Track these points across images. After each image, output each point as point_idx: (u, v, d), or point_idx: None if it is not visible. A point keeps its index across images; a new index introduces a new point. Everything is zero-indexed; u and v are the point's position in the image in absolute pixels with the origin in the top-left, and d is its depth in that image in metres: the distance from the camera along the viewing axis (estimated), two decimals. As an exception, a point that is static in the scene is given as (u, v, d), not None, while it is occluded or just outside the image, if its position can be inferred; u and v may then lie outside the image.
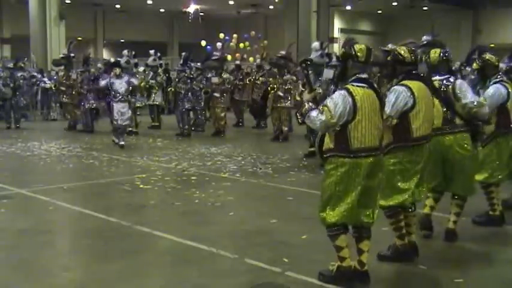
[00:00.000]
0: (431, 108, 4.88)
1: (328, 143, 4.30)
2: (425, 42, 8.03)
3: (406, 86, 4.72)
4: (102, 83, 12.41)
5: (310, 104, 4.32)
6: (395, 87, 4.77)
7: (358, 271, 4.38)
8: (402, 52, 4.85)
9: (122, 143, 11.96)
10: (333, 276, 4.41)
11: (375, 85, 4.43)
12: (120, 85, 11.85)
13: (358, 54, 4.26)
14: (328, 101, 4.20)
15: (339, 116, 4.13)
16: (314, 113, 4.23)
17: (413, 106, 4.68)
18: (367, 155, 4.20)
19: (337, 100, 4.16)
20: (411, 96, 4.67)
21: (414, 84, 4.74)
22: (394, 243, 4.95)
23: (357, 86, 4.22)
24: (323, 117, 4.17)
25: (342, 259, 4.36)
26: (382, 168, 4.41)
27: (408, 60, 4.83)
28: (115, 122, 11.98)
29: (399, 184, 4.78)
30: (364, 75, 4.32)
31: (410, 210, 4.96)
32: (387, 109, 4.64)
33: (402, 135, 4.71)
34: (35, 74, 18.45)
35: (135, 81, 12.79)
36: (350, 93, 4.16)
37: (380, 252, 4.99)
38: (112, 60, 15.70)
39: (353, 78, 4.27)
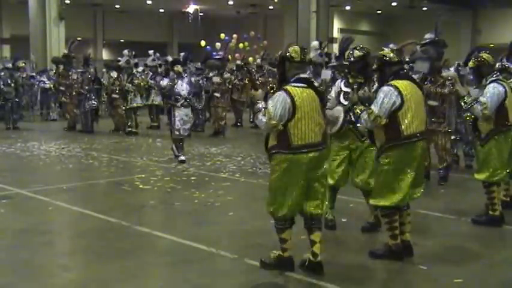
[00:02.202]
0: (422, 106, 4.92)
1: (271, 140, 4.52)
2: (428, 40, 8.04)
3: (393, 85, 4.79)
4: (164, 83, 10.24)
5: (263, 103, 4.52)
6: (382, 87, 4.88)
7: (312, 262, 4.56)
8: (387, 54, 4.96)
9: (183, 158, 9.98)
10: (273, 263, 4.68)
11: (315, 84, 4.70)
12: (182, 87, 9.77)
13: (293, 55, 4.50)
14: (269, 103, 4.44)
15: (279, 117, 4.36)
16: (260, 115, 4.48)
17: (401, 105, 4.73)
18: (309, 150, 4.42)
19: (277, 102, 4.39)
20: (398, 95, 4.73)
21: (402, 84, 4.81)
22: (386, 242, 4.97)
23: (296, 86, 4.45)
24: (264, 119, 4.42)
25: (284, 250, 4.64)
26: (326, 161, 4.63)
27: (394, 60, 4.93)
28: (177, 132, 9.92)
29: (393, 184, 4.81)
30: (304, 75, 4.59)
31: (405, 209, 4.97)
32: (375, 109, 4.75)
33: (393, 134, 4.78)
34: (33, 74, 18.44)
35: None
36: (289, 93, 4.39)
37: (372, 250, 5.03)
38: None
39: (294, 78, 4.49)
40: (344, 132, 5.59)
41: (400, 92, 4.73)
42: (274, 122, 4.37)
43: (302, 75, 4.54)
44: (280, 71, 4.68)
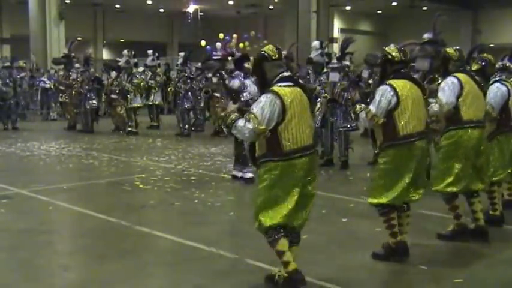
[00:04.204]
0: (421, 106, 4.88)
1: (259, 148, 4.14)
2: (426, 40, 8.03)
3: (389, 85, 4.78)
4: (236, 83, 8.26)
5: (236, 114, 4.16)
6: (379, 87, 4.86)
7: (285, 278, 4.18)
8: (392, 52, 4.92)
9: (251, 175, 8.20)
10: (282, 285, 4.18)
11: (300, 81, 4.44)
12: (251, 88, 8.01)
13: (269, 53, 4.19)
14: (254, 107, 4.06)
15: (267, 121, 3.99)
16: (241, 122, 4.07)
17: (397, 104, 4.71)
18: (301, 155, 4.08)
19: (264, 105, 4.01)
20: (394, 95, 4.71)
21: (399, 83, 4.78)
22: (387, 241, 4.95)
23: (283, 85, 4.11)
24: (250, 126, 4.01)
25: (286, 264, 4.12)
26: (317, 166, 4.33)
27: (398, 59, 4.88)
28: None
29: (389, 183, 4.79)
30: (287, 73, 4.24)
31: (405, 210, 4.96)
32: (372, 108, 4.74)
33: (390, 134, 4.77)
34: (34, 75, 18.46)
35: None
36: (277, 94, 4.03)
37: (374, 251, 5.01)
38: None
39: (277, 78, 4.15)
40: None
41: (396, 91, 4.72)
42: (263, 127, 3.98)
43: (286, 74, 4.20)
44: (259, 74, 4.31)
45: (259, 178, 4.18)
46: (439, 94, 5.43)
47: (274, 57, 4.19)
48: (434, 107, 5.44)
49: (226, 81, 8.41)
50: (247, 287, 4.46)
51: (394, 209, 4.88)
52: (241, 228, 6.04)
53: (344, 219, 6.17)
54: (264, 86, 4.23)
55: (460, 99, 5.36)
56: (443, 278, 4.65)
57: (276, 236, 4.11)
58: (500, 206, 6.13)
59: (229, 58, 8.97)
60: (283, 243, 4.12)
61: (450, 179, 5.38)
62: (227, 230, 6.03)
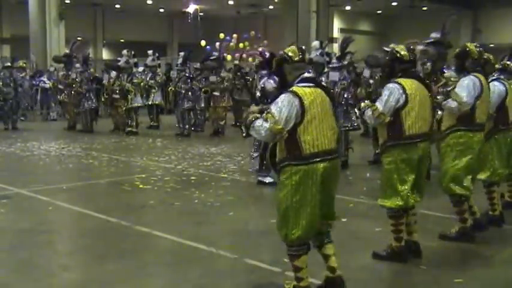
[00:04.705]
0: (427, 106, 4.85)
1: (279, 152, 3.99)
2: (431, 40, 8.01)
3: (398, 83, 4.74)
4: (269, 85, 7.74)
5: (256, 115, 4.00)
6: (388, 85, 4.81)
7: (330, 278, 4.14)
8: (400, 51, 4.88)
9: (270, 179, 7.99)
10: None
11: (324, 83, 4.33)
12: (273, 87, 7.54)
13: (291, 54, 4.05)
14: (272, 107, 3.91)
15: (285, 121, 3.84)
16: (258, 122, 3.92)
17: (405, 103, 4.68)
18: (322, 159, 3.90)
19: (282, 104, 3.87)
20: (403, 93, 4.68)
21: (407, 82, 4.75)
22: (390, 243, 4.94)
23: (303, 86, 3.96)
24: (267, 125, 3.86)
25: (299, 279, 4.01)
26: (339, 172, 4.15)
27: (406, 58, 4.85)
28: None
29: (396, 184, 4.78)
30: (309, 74, 4.10)
31: (409, 209, 4.94)
32: (379, 106, 4.70)
33: (395, 133, 4.74)
34: (33, 76, 18.46)
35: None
36: (296, 94, 3.88)
37: (375, 251, 5.00)
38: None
39: (298, 79, 4.01)
40: None
41: (404, 90, 4.68)
42: (280, 126, 3.83)
43: (307, 75, 4.06)
44: (279, 76, 4.23)
45: (280, 185, 4.02)
46: (459, 91, 5.35)
47: (295, 59, 4.05)
48: (452, 104, 5.34)
49: (261, 83, 8.05)
50: (247, 287, 4.46)
51: (405, 212, 4.87)
52: (241, 228, 6.04)
53: (344, 219, 6.15)
54: (284, 88, 4.09)
55: (478, 102, 5.37)
56: (443, 278, 4.65)
57: (297, 253, 3.99)
58: (499, 206, 6.13)
59: (261, 59, 8.56)
60: (303, 260, 4.00)
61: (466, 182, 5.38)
62: (227, 230, 6.02)
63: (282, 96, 3.93)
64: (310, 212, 3.91)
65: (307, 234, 3.96)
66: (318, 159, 3.89)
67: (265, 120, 3.89)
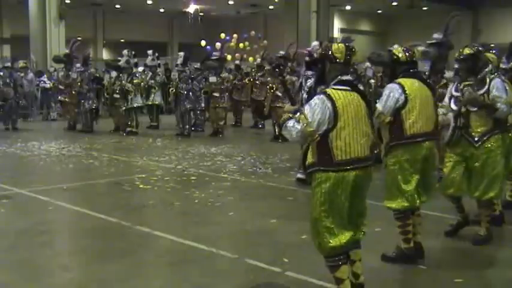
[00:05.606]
0: (429, 106, 4.85)
1: (310, 156, 3.84)
2: (433, 41, 8.01)
3: (398, 83, 4.77)
4: (308, 83, 7.86)
5: (290, 114, 3.87)
6: (388, 85, 4.85)
7: (352, 284, 3.97)
8: (398, 53, 4.92)
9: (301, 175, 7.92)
10: None
11: (361, 87, 4.18)
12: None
13: (336, 54, 3.85)
14: (306, 108, 3.78)
15: (317, 124, 3.69)
16: (291, 122, 3.78)
17: (404, 103, 4.70)
18: (354, 167, 3.74)
19: (315, 106, 3.72)
20: (402, 93, 4.70)
21: (407, 82, 4.78)
22: (399, 245, 4.93)
23: (339, 89, 3.79)
24: (299, 126, 3.73)
25: None
26: (370, 180, 3.95)
27: (403, 59, 4.88)
28: None
29: (400, 185, 4.77)
30: (347, 77, 3.89)
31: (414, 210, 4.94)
32: (379, 106, 4.73)
33: (397, 133, 4.75)
34: (33, 76, 18.46)
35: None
36: (329, 97, 3.72)
37: (384, 253, 4.99)
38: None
39: (334, 81, 3.84)
40: (455, 140, 5.35)
41: (404, 90, 4.70)
42: (311, 128, 3.69)
43: (344, 78, 3.85)
44: (318, 71, 4.06)
45: (312, 191, 3.87)
46: (501, 94, 5.27)
47: (340, 60, 3.85)
48: (505, 108, 5.26)
49: (308, 83, 7.93)
50: (247, 287, 4.46)
51: (411, 213, 4.87)
52: (241, 228, 6.05)
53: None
54: (320, 85, 3.95)
55: None
56: (443, 278, 4.65)
57: (336, 263, 3.85)
58: (499, 206, 6.12)
59: (307, 58, 8.45)
60: (343, 271, 3.85)
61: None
62: (227, 230, 6.03)
63: (315, 98, 3.79)
64: (340, 221, 3.79)
65: (341, 243, 3.81)
66: (349, 167, 3.74)
67: (298, 121, 3.75)
